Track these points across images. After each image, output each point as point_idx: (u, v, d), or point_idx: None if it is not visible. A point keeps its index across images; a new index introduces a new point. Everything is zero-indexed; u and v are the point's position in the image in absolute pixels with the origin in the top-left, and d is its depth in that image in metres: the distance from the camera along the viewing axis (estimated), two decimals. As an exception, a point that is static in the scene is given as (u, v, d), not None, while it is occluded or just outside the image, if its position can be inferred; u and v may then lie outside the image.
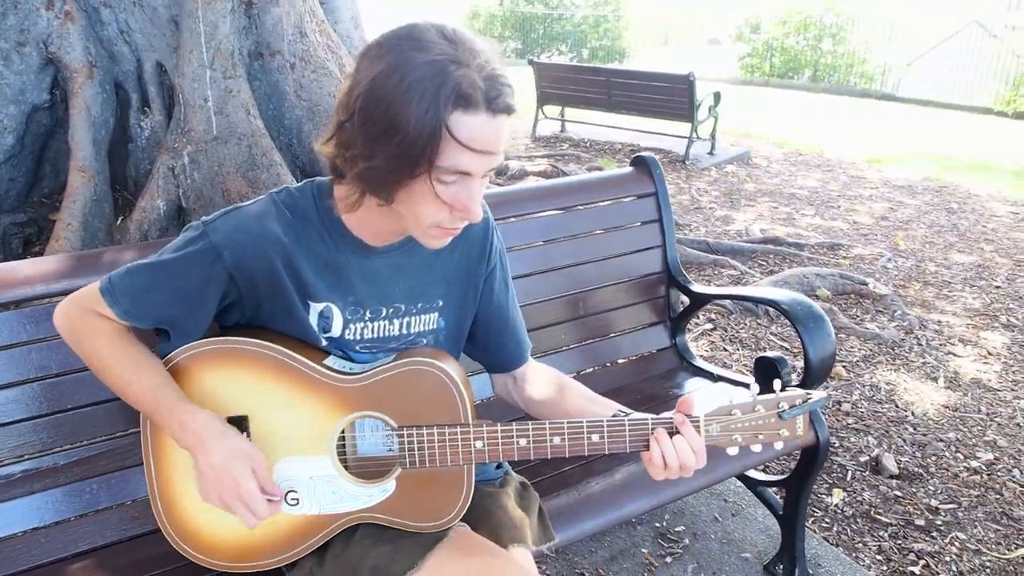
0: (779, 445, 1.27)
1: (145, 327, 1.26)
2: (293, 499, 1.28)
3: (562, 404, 1.41)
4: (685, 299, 2.34)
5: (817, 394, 1.26)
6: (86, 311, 1.25)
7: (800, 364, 3.50)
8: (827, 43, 16.96)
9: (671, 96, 7.91)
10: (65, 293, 1.52)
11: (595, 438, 1.25)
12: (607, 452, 1.27)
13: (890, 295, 4.38)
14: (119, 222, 3.92)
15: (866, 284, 4.46)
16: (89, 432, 1.58)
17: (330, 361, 1.30)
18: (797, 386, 1.95)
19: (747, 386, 2.11)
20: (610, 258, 2.26)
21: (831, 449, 2.90)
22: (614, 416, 1.30)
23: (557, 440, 1.25)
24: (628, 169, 2.33)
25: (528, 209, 2.11)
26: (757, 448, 1.28)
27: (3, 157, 3.83)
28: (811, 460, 1.97)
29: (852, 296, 4.44)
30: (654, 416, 1.25)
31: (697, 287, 2.26)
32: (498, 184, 6.24)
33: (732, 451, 1.28)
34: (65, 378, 1.55)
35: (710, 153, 8.24)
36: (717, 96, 8.13)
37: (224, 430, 1.19)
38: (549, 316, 2.16)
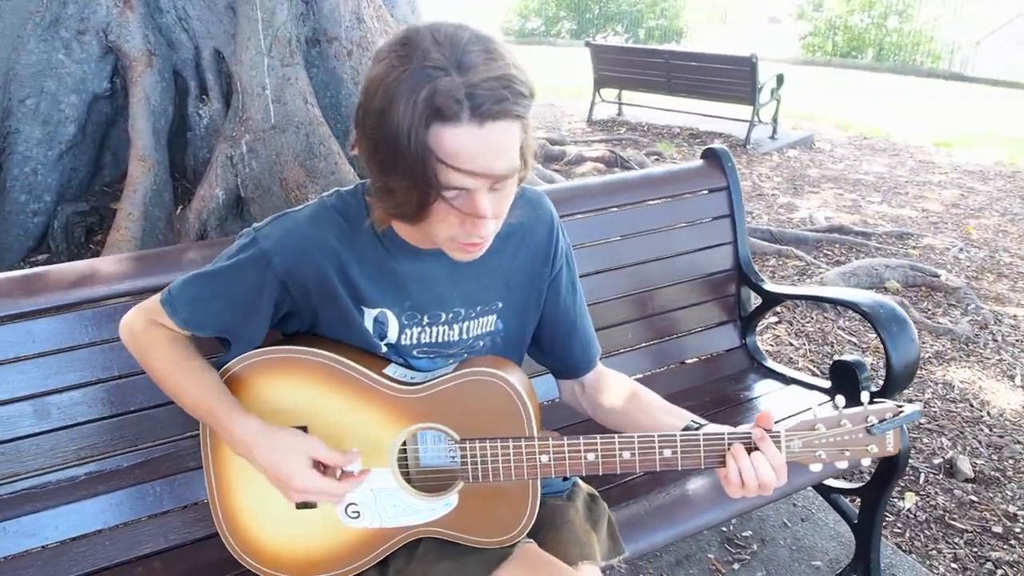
0: (867, 461, 1.19)
1: (205, 336, 1.24)
2: (354, 512, 1.25)
3: (632, 413, 1.35)
4: (756, 297, 2.24)
5: (909, 407, 1.17)
6: (148, 322, 1.24)
7: (873, 360, 3.38)
8: (893, 21, 16.35)
9: (732, 78, 7.70)
10: (127, 294, 1.52)
11: (667, 453, 1.18)
12: (680, 468, 1.20)
13: (963, 288, 4.18)
14: (179, 211, 3.96)
15: (938, 276, 4.27)
16: (151, 435, 1.58)
17: (390, 370, 1.25)
18: (877, 393, 1.87)
19: (822, 390, 2.06)
20: (678, 255, 2.17)
21: (904, 452, 2.78)
22: (686, 428, 1.23)
23: (627, 455, 1.18)
24: (698, 162, 2.23)
25: (594, 205, 2.04)
26: (843, 465, 1.19)
27: (65, 147, 3.89)
28: (890, 469, 1.88)
29: (923, 288, 4.26)
30: (731, 430, 1.17)
31: (770, 286, 2.16)
32: (555, 170, 6.15)
33: (815, 468, 1.20)
34: (127, 380, 1.54)
35: (771, 137, 8.01)
36: (780, 78, 7.88)
37: (272, 434, 1.15)
38: (615, 316, 2.08)
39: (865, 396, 1.18)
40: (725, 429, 1.18)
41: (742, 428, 1.18)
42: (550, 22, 20.21)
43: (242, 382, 1.23)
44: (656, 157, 7.30)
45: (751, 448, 1.15)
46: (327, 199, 1.23)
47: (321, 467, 1.15)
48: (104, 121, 4.09)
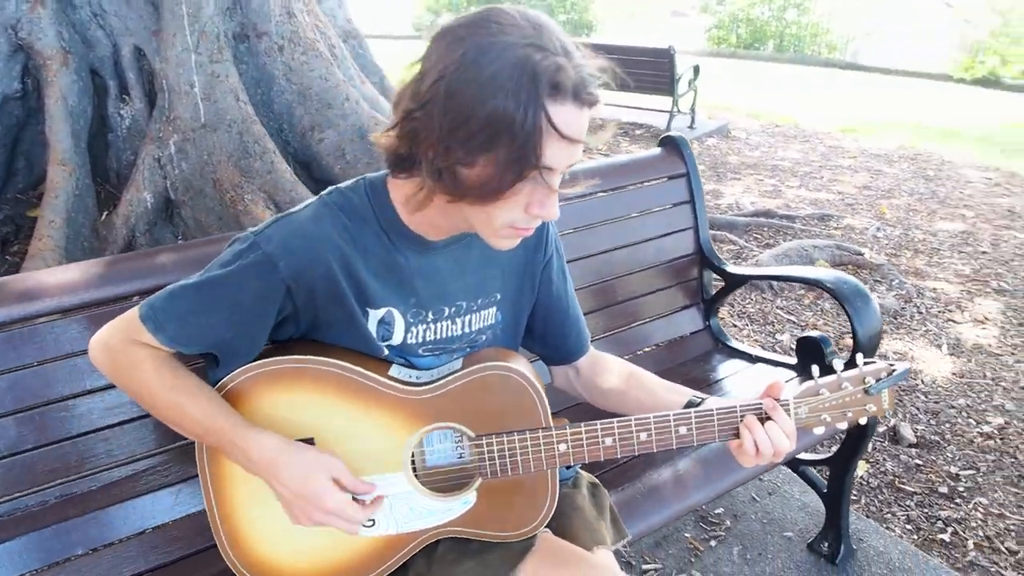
0: (864, 420, 1.24)
1: (193, 353, 1.16)
2: (369, 520, 1.21)
3: (632, 392, 1.36)
4: (718, 280, 2.31)
5: (900, 365, 1.23)
6: (126, 341, 1.14)
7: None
8: (791, 13, 17.01)
9: (651, 70, 7.84)
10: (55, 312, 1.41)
11: (683, 431, 1.20)
12: (695, 444, 1.22)
13: (886, 264, 4.41)
14: (104, 217, 3.76)
15: (862, 254, 4.48)
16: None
17: (394, 371, 1.22)
18: (846, 365, 1.94)
19: (789, 367, 2.13)
20: (642, 242, 2.20)
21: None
22: (689, 404, 1.26)
23: (644, 436, 1.20)
24: (657, 150, 2.27)
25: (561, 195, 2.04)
26: (843, 426, 1.25)
27: (-26, 151, 3.65)
28: (859, 437, 1.96)
29: (849, 267, 4.46)
30: (743, 403, 1.20)
31: (733, 268, 2.22)
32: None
33: (819, 431, 1.25)
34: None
35: (690, 127, 8.22)
36: (696, 69, 8.10)
37: (292, 450, 1.10)
38: (585, 304, 2.05)
39: (860, 359, 1.23)
40: (736, 402, 1.21)
41: (751, 399, 1.21)
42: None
43: (242, 397, 1.16)
44: (627, 154, 7.39)
45: (763, 418, 1.19)
46: (327, 197, 1.18)
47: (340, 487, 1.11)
48: (15, 124, 3.84)
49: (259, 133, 3.65)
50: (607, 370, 1.42)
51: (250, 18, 3.79)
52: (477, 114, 0.96)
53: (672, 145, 2.26)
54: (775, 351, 3.44)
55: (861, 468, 2.67)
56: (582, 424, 1.20)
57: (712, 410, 1.20)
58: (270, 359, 1.17)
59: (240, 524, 1.21)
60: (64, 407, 1.43)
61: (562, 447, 1.20)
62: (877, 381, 1.21)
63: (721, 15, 17.49)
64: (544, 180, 1.00)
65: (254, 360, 1.17)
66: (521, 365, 1.21)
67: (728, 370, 2.19)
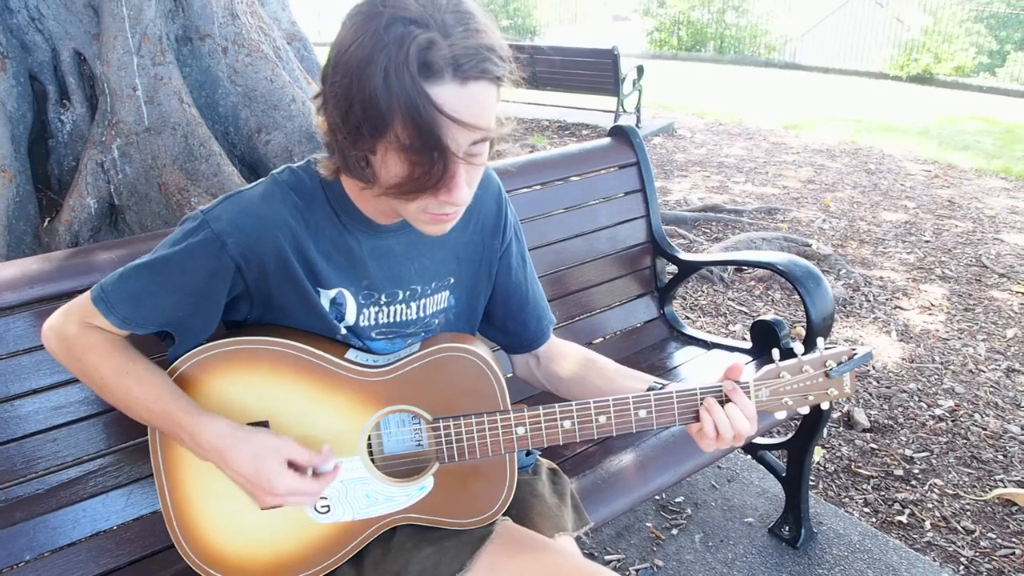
0: (825, 405, 1.26)
1: (146, 333, 1.15)
2: (323, 506, 1.20)
3: (591, 379, 1.36)
4: (671, 269, 2.33)
5: (862, 349, 1.25)
6: (79, 324, 1.13)
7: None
8: (730, 16, 17.35)
9: (596, 71, 7.92)
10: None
11: (642, 414, 1.21)
12: (655, 427, 1.23)
13: (833, 255, 4.51)
14: (46, 224, 3.65)
15: (809, 245, 4.58)
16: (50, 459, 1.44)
17: (351, 355, 1.21)
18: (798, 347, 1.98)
19: (744, 351, 2.16)
20: (593, 232, 2.22)
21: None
22: (651, 388, 1.26)
23: (603, 419, 1.20)
24: (606, 140, 2.29)
25: (511, 185, 2.04)
26: (805, 410, 1.26)
27: (-95, 160, 3.50)
28: (816, 420, 2.00)
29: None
30: (702, 386, 1.21)
31: (685, 255, 2.25)
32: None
33: (780, 415, 1.26)
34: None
35: (636, 126, 8.28)
36: (640, 69, 8.19)
37: (241, 434, 1.09)
38: (540, 294, 2.10)
39: (821, 343, 1.24)
40: (696, 385, 1.22)
41: (710, 382, 1.22)
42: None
43: (194, 380, 1.15)
44: (531, 149, 7.40)
45: (723, 401, 1.20)
46: (278, 176, 1.16)
47: (293, 467, 1.09)
48: (-51, 132, 3.72)
49: (204, 136, 3.58)
50: (564, 356, 1.42)
51: (193, 20, 3.72)
52: (356, 101, 0.93)
53: (622, 135, 2.28)
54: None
55: (817, 454, 2.72)
56: (540, 407, 1.19)
57: (671, 393, 1.20)
58: (222, 340, 1.15)
59: (195, 516, 1.18)
60: (8, 407, 1.38)
61: (520, 430, 1.19)
62: (839, 364, 1.22)
63: (662, 18, 17.76)
64: (445, 163, 0.95)
65: (209, 341, 1.15)
66: (479, 348, 1.21)
67: (685, 356, 2.21)
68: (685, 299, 3.98)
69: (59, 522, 1.42)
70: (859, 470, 2.65)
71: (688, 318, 3.77)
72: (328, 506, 1.20)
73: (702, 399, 1.20)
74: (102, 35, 3.54)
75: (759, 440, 2.27)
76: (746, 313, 3.83)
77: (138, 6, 3.47)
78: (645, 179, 2.26)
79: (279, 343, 1.15)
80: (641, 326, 2.32)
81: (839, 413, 2.98)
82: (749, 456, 2.37)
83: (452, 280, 1.29)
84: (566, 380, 1.39)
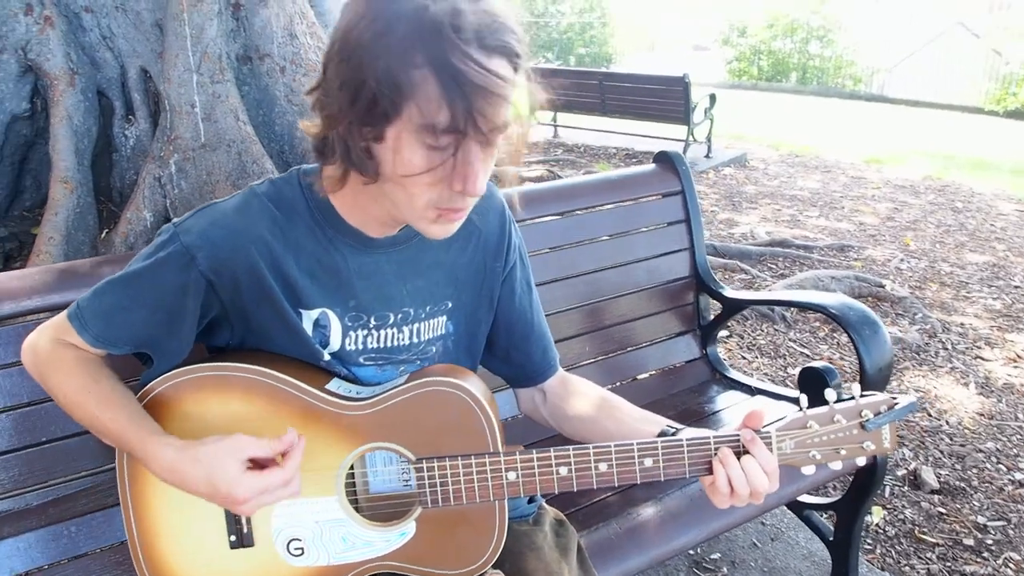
0: (862, 461, 1.10)
1: (122, 353, 1.09)
2: (297, 549, 1.11)
3: (601, 421, 1.23)
4: (716, 306, 2.17)
5: (905, 399, 1.09)
6: (54, 342, 1.08)
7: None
8: (814, 46, 16.95)
9: (666, 99, 7.80)
10: (38, 311, 1.35)
11: (648, 463, 1.07)
12: (662, 478, 1.09)
13: (909, 297, 4.23)
14: (104, 235, 3.74)
15: (883, 286, 4.31)
16: (65, 468, 1.40)
17: (333, 385, 1.12)
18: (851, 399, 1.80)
19: (791, 400, 1.98)
20: (633, 263, 2.09)
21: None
22: (662, 434, 1.13)
23: (603, 467, 1.07)
24: (651, 166, 2.16)
25: (544, 210, 1.94)
26: (837, 466, 1.10)
27: (-20, 170, 3.65)
28: (868, 480, 1.81)
29: (869, 299, 4.29)
30: (716, 433, 1.07)
31: (730, 292, 2.09)
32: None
33: (808, 470, 1.11)
34: (38, 408, 1.36)
35: (707, 156, 8.12)
36: (712, 98, 8.01)
37: (193, 449, 1.00)
38: (567, 327, 1.98)
39: (856, 389, 1.09)
40: (709, 432, 1.08)
41: (727, 430, 1.08)
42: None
43: (165, 405, 1.08)
44: (618, 170, 7.31)
45: (740, 452, 1.06)
46: (257, 187, 1.09)
47: (258, 465, 1.01)
48: (24, 143, 3.86)
49: (258, 153, 3.60)
50: (576, 394, 1.29)
51: (253, 40, 3.77)
52: (370, 78, 0.85)
53: (667, 161, 2.14)
54: (786, 386, 3.28)
55: (877, 515, 2.49)
56: (534, 451, 1.07)
57: (681, 441, 1.07)
58: (194, 366, 1.08)
59: (161, 552, 1.11)
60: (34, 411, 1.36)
61: (511, 475, 1.08)
62: (876, 415, 1.07)
63: (742, 48, 17.45)
64: (463, 148, 0.89)
65: (185, 364, 1.08)
66: (469, 383, 1.10)
67: (726, 401, 2.05)
68: (743, 338, 3.78)
69: (73, 532, 1.40)
70: (924, 536, 2.41)
71: (744, 358, 3.57)
72: (302, 549, 1.11)
73: (716, 449, 1.06)
74: (165, 53, 3.61)
75: (804, 498, 2.07)
76: (807, 356, 3.61)
77: (200, 25, 3.53)
78: (690, 209, 2.12)
79: (253, 370, 1.07)
80: (681, 366, 2.17)
81: (904, 471, 2.74)
82: (794, 513, 2.17)
83: (450, 304, 1.19)
84: (573, 420, 1.27)
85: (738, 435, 1.06)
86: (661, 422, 1.18)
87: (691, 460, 1.07)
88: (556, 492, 1.10)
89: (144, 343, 1.07)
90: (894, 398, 1.08)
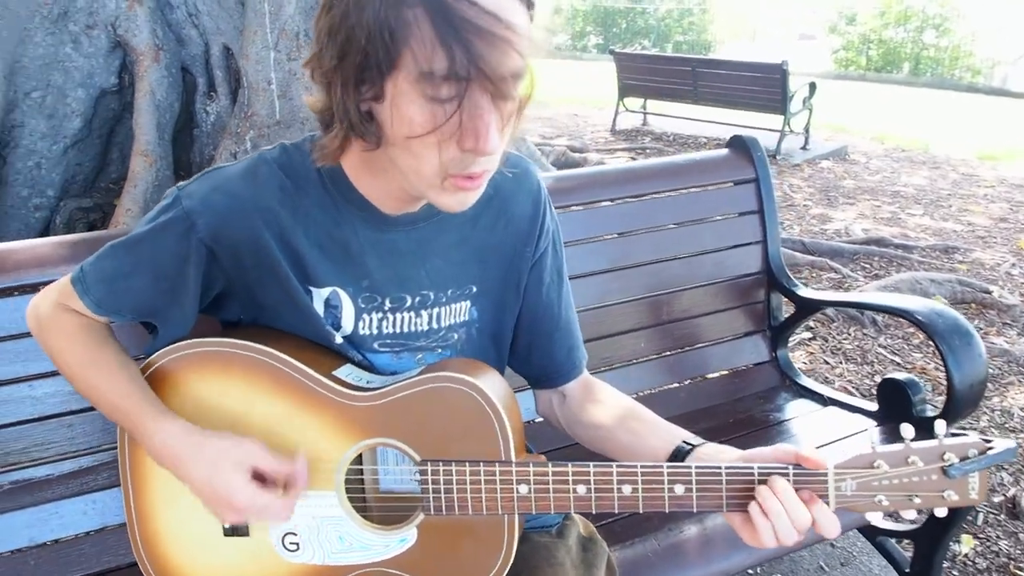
0: (941, 512, 0.93)
1: (125, 320, 1.05)
2: (292, 543, 1.04)
3: (616, 435, 1.11)
4: (789, 305, 1.99)
5: (1001, 444, 0.91)
6: (56, 306, 1.04)
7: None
8: (929, 35, 15.99)
9: (762, 87, 7.47)
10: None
11: (679, 490, 0.94)
12: (695, 510, 0.95)
13: (1019, 305, 3.88)
14: (180, 209, 3.82)
15: (989, 292, 3.97)
16: (89, 439, 1.38)
17: (343, 371, 1.03)
18: (935, 418, 1.61)
19: (867, 414, 1.79)
20: (699, 254, 1.93)
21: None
22: (676, 452, 1.01)
23: (627, 490, 0.95)
24: (723, 151, 1.99)
25: (602, 195, 1.81)
26: (910, 514, 0.94)
27: (70, 141, 3.78)
28: (952, 509, 1.60)
29: (973, 306, 3.95)
30: (762, 464, 0.92)
31: (805, 292, 1.90)
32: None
33: (873, 517, 0.94)
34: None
35: (803, 148, 7.73)
36: (812, 86, 7.62)
37: (200, 439, 0.95)
38: (625, 321, 1.84)
39: (940, 427, 0.91)
40: (754, 458, 0.94)
41: (774, 459, 0.93)
42: (577, 37, 20.18)
43: (168, 379, 1.03)
44: (632, 156, 7.09)
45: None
46: (267, 152, 1.01)
47: (261, 479, 0.95)
48: (111, 117, 3.98)
49: (330, 132, 3.60)
50: (596, 401, 1.17)
51: (331, 16, 3.77)
52: (358, 25, 0.77)
53: (741, 146, 1.97)
54: (871, 396, 3.03)
55: (967, 544, 2.25)
56: (549, 464, 0.96)
57: (719, 469, 0.93)
58: (198, 340, 1.02)
59: (157, 533, 1.07)
60: (25, 388, 1.33)
61: (523, 489, 0.97)
62: (962, 460, 0.89)
63: (850, 36, 16.62)
64: (469, 98, 0.78)
65: (196, 336, 1.03)
66: (486, 382, 0.99)
67: (795, 411, 1.88)
68: (826, 340, 3.53)
69: (66, 511, 1.36)
70: (1019, 571, 2.16)
71: (827, 363, 3.33)
72: (297, 544, 1.04)
73: (761, 480, 0.92)
74: (244, 30, 3.65)
75: (878, 522, 1.88)
76: (898, 364, 3.34)
77: (279, 2, 3.54)
78: (765, 199, 1.94)
79: (258, 350, 1.01)
80: (747, 369, 2.00)
81: (1002, 497, 2.48)
82: (866, 539, 1.97)
83: (474, 288, 1.09)
84: (590, 429, 1.15)
85: (787, 468, 0.91)
86: (679, 436, 1.05)
87: (730, 492, 0.93)
88: (573, 511, 0.98)
89: (147, 312, 1.02)
90: (988, 441, 0.90)
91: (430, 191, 0.88)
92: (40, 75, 3.66)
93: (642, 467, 0.94)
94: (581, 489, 0.95)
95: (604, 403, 1.16)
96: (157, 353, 1.03)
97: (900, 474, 0.91)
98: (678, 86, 8.27)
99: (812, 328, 3.63)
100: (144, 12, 3.81)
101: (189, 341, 1.02)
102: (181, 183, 1.00)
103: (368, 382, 1.03)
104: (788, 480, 0.91)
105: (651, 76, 8.55)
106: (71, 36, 3.75)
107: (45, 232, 3.78)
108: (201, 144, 4.06)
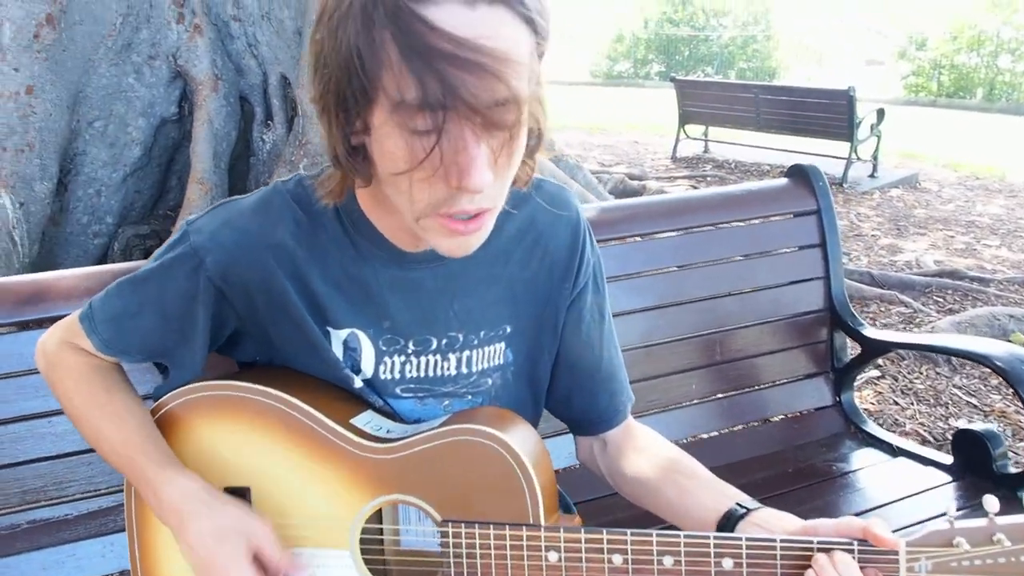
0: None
1: (134, 361, 1.01)
2: None
3: (662, 490, 1.01)
4: (854, 346, 1.85)
5: None
6: (63, 345, 0.99)
7: (1001, 428, 2.88)
8: (1005, 60, 15.44)
9: (828, 113, 7.27)
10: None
11: (727, 565, 0.84)
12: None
13: (1107, 345, 3.61)
14: (234, 237, 3.87)
15: (1074, 330, 3.70)
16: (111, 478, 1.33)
17: (361, 419, 0.97)
18: (1018, 476, 1.46)
19: (942, 467, 1.64)
20: (757, 291, 1.82)
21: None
22: (729, 514, 0.92)
23: (669, 562, 0.86)
24: (782, 181, 1.88)
25: (653, 227, 1.71)
26: (996, 607, 0.81)
27: (130, 169, 3.86)
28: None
29: (1056, 344, 3.70)
30: (822, 538, 0.82)
31: (871, 332, 1.77)
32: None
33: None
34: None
35: (872, 175, 7.46)
36: (881, 113, 7.38)
37: (212, 501, 0.89)
38: (676, 360, 1.74)
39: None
40: (816, 530, 0.84)
41: (838, 533, 0.82)
42: (639, 64, 20.15)
43: (175, 425, 0.97)
44: (692, 185, 6.92)
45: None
46: (281, 184, 0.96)
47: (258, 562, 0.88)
48: (171, 145, 4.06)
49: (382, 161, 3.60)
50: (638, 449, 1.08)
51: (385, 46, 3.79)
52: (338, 59, 0.71)
53: (801, 175, 1.85)
54: (945, 441, 2.82)
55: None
56: (582, 529, 0.87)
57: (774, 541, 0.83)
58: (209, 382, 0.97)
59: None
60: (45, 423, 1.29)
61: (552, 556, 0.88)
62: None
63: (921, 62, 16.16)
64: (448, 130, 0.70)
65: (210, 379, 0.98)
66: (514, 436, 0.91)
67: (861, 461, 1.74)
68: (896, 380, 3.33)
69: (84, 552, 1.32)
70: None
71: (897, 403, 3.13)
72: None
73: (823, 550, 0.82)
74: (301, 60, 3.68)
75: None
76: (974, 407, 3.12)
77: (333, 31, 3.57)
78: (827, 232, 1.82)
79: (271, 395, 0.95)
80: (809, 414, 1.86)
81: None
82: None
83: (508, 329, 1.01)
84: (632, 481, 1.06)
85: (853, 543, 0.81)
86: (733, 496, 0.95)
87: (785, 569, 0.83)
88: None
89: (156, 352, 0.98)
90: None
91: (426, 233, 0.81)
92: (103, 105, 3.76)
93: (685, 537, 0.85)
94: (617, 559, 0.87)
95: (647, 451, 1.07)
96: (165, 396, 0.98)
97: (983, 554, 0.79)
98: (740, 113, 8.13)
99: (881, 366, 3.44)
100: (205, 43, 3.89)
101: (198, 384, 0.97)
102: (191, 216, 0.95)
103: (388, 432, 0.96)
104: (853, 557, 0.80)
105: (712, 103, 8.44)
106: (134, 67, 3.84)
107: (103, 259, 3.85)
108: (257, 172, 4.11)
